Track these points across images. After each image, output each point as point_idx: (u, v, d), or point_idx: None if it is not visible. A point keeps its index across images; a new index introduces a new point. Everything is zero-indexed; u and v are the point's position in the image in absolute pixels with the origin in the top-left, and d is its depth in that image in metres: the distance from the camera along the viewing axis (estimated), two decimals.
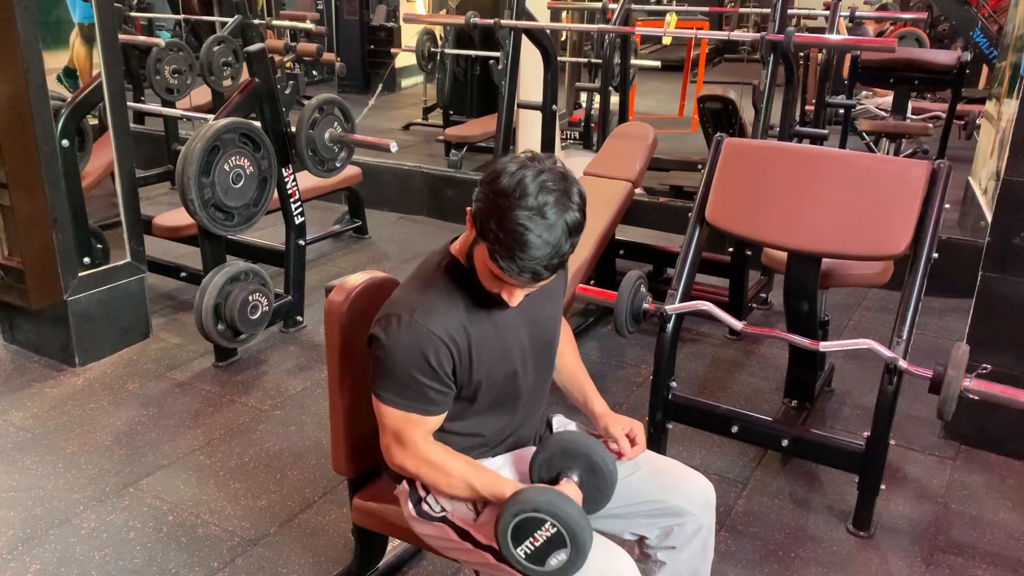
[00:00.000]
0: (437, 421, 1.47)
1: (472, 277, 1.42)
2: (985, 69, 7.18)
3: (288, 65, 6.50)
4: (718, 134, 2.52)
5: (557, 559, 1.33)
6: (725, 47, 9.87)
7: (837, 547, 2.23)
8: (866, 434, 2.16)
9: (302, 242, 3.48)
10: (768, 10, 3.38)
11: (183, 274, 3.74)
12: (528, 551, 1.34)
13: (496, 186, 1.29)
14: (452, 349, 1.41)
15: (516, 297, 1.39)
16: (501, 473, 1.54)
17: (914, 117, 5.88)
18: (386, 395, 1.44)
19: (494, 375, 1.48)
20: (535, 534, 1.32)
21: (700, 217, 2.45)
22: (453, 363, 1.42)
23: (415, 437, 1.45)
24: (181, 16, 6.31)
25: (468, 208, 1.36)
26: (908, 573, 2.14)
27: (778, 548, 2.22)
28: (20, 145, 2.82)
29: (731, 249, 3.32)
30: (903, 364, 2.05)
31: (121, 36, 3.29)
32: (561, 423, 1.72)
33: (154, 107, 4.67)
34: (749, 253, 3.32)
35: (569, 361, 1.75)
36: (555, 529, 1.31)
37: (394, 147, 3.27)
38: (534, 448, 1.64)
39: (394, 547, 2.07)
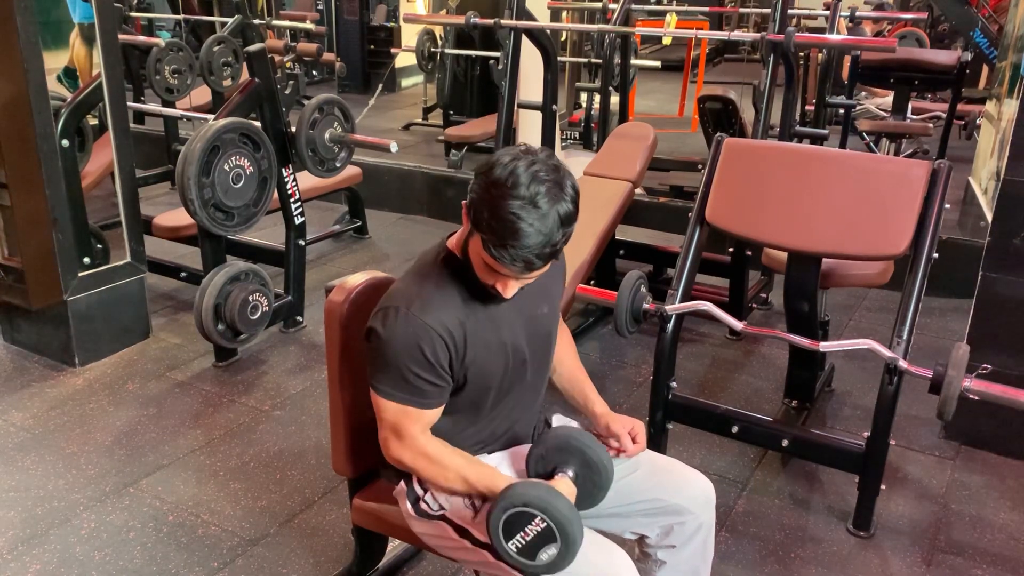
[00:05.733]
0: (434, 415, 1.48)
1: (468, 271, 1.43)
2: (985, 69, 7.18)
3: (288, 65, 6.50)
4: (718, 134, 2.52)
5: (548, 553, 1.33)
6: (725, 47, 9.87)
7: (837, 547, 2.23)
8: (866, 434, 2.16)
9: (302, 242, 3.48)
10: (768, 10, 3.38)
11: (183, 274, 3.74)
12: (519, 545, 1.34)
13: (490, 177, 1.31)
14: (448, 342, 1.41)
15: (511, 289, 1.40)
16: (499, 470, 1.55)
17: (914, 117, 5.88)
18: (383, 388, 1.45)
19: (489, 369, 1.48)
20: (526, 528, 1.33)
21: (700, 217, 2.45)
22: (449, 356, 1.43)
23: (413, 431, 1.46)
24: (181, 16, 6.31)
25: (463, 201, 1.37)
26: (908, 573, 2.14)
27: (778, 548, 2.22)
28: (20, 145, 2.82)
29: (731, 249, 3.32)
30: (903, 364, 2.05)
31: (121, 36, 3.29)
32: (560, 421, 1.72)
33: (154, 107, 4.67)
34: (749, 253, 3.32)
35: (568, 363, 1.75)
36: (545, 524, 1.32)
37: (394, 147, 3.27)
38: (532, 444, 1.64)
39: (394, 547, 2.07)
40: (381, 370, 1.44)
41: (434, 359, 1.40)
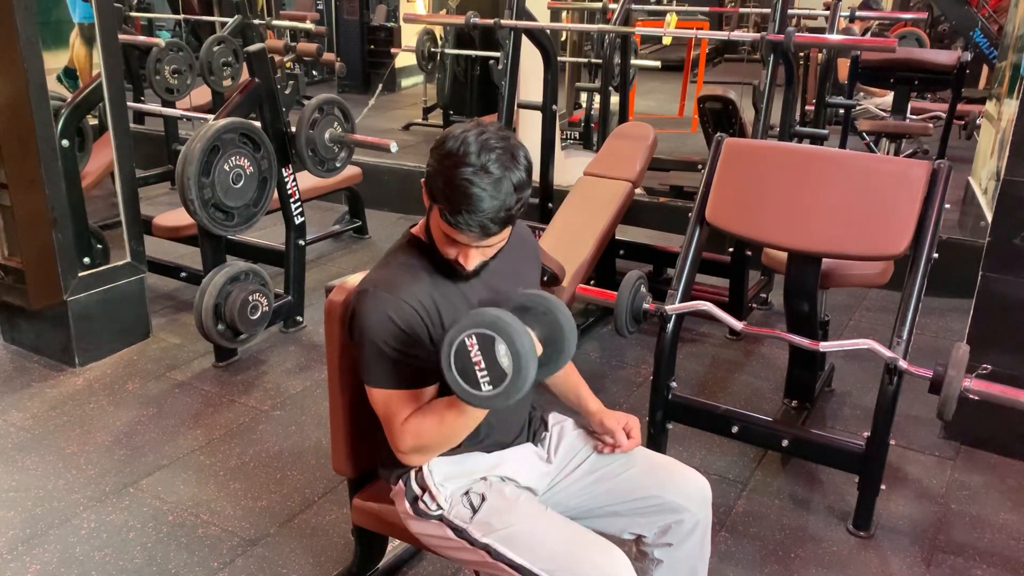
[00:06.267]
0: (425, 395, 1.48)
1: (433, 251, 1.47)
2: (985, 69, 7.18)
3: (288, 65, 6.50)
4: (718, 134, 2.52)
5: (504, 357, 1.26)
6: (725, 47, 9.87)
7: (837, 547, 2.23)
8: (866, 434, 2.16)
9: (302, 242, 3.48)
10: (768, 10, 3.38)
11: (183, 274, 3.74)
12: (487, 378, 1.28)
13: (443, 149, 1.36)
14: (420, 313, 1.44)
15: (472, 259, 1.42)
16: (496, 471, 1.56)
17: (914, 117, 5.87)
18: (371, 377, 1.46)
19: None
20: (470, 356, 1.27)
21: (700, 217, 2.45)
22: (426, 328, 1.44)
23: (406, 414, 1.46)
24: (181, 16, 6.31)
25: (422, 179, 1.41)
26: (908, 573, 2.14)
27: (778, 548, 2.22)
28: (20, 145, 2.81)
29: (731, 249, 3.32)
30: (903, 364, 2.05)
31: (121, 36, 3.29)
32: (557, 420, 1.72)
33: (154, 107, 4.67)
34: (749, 253, 3.32)
35: None
36: (472, 335, 1.26)
37: (394, 147, 3.27)
38: (530, 445, 1.64)
39: (394, 547, 2.07)
40: (366, 358, 1.45)
41: (408, 329, 1.42)
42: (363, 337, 1.44)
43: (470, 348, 1.27)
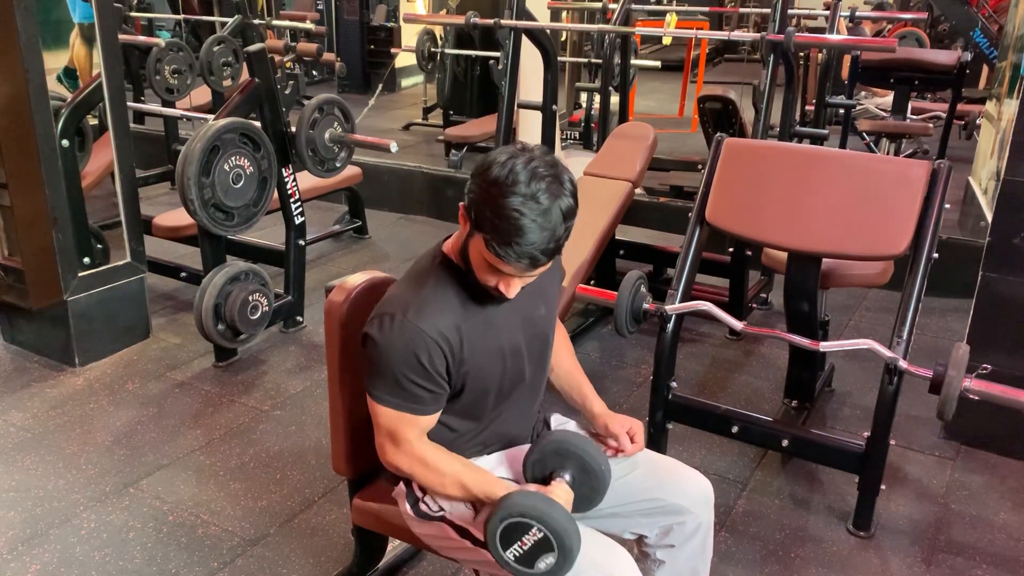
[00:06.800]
0: (431, 420, 1.48)
1: (465, 275, 1.43)
2: (985, 69, 7.19)
3: (288, 65, 6.50)
4: (718, 134, 2.52)
5: (545, 562, 1.33)
6: (725, 47, 9.88)
7: (837, 547, 2.23)
8: (866, 434, 2.16)
9: (302, 242, 3.48)
10: (768, 10, 3.38)
11: (183, 274, 3.74)
12: (517, 554, 1.35)
13: (488, 176, 1.30)
14: (444, 348, 1.41)
15: (513, 288, 1.39)
16: (496, 472, 1.55)
17: (914, 117, 5.88)
18: (380, 394, 1.44)
19: (487, 374, 1.48)
20: (523, 538, 1.33)
21: (700, 217, 2.45)
22: (446, 362, 1.42)
23: (409, 436, 1.45)
24: (181, 16, 6.31)
25: (461, 203, 1.37)
26: (908, 573, 2.14)
27: (778, 548, 2.22)
28: (20, 145, 2.82)
29: (731, 249, 3.32)
30: (903, 364, 2.05)
31: (121, 36, 3.29)
32: (559, 422, 1.72)
33: (154, 107, 4.67)
34: (749, 253, 3.32)
35: (566, 363, 1.75)
36: (542, 533, 1.32)
37: (394, 147, 3.27)
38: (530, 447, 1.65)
39: (394, 547, 2.07)
40: (377, 376, 1.43)
41: (431, 366, 1.40)
42: (380, 360, 1.41)
43: (530, 533, 1.33)
